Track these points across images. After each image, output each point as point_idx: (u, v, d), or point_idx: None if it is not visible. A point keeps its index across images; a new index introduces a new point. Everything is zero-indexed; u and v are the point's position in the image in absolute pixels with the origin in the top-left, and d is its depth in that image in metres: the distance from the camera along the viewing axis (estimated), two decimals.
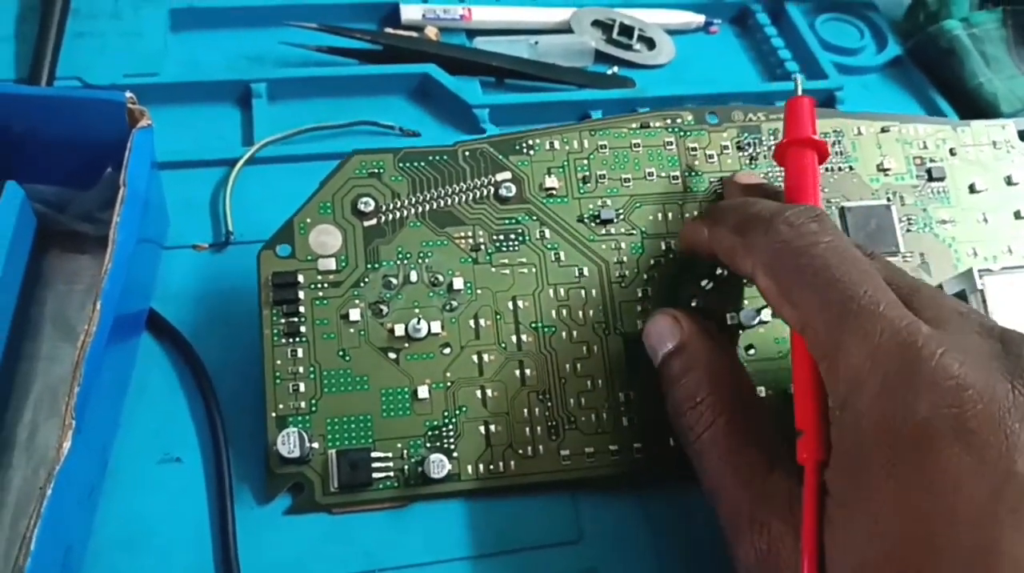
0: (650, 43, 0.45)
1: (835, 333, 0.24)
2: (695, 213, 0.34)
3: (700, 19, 0.47)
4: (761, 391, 0.32)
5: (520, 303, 0.32)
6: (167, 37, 0.43)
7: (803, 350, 0.25)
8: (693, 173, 0.34)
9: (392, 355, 0.31)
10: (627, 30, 0.45)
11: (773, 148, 0.32)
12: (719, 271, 0.33)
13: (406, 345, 0.31)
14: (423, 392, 0.30)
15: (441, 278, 0.31)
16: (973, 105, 0.44)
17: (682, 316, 0.30)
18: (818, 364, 0.24)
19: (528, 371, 0.31)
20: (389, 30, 0.44)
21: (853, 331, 0.23)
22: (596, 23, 0.45)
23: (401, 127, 0.40)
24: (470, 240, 0.32)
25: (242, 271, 0.32)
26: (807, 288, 0.25)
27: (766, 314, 0.32)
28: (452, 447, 0.30)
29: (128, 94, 0.30)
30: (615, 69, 0.44)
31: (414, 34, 0.44)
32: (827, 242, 0.25)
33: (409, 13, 0.44)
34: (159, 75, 0.41)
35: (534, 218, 0.33)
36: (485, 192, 0.33)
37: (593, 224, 0.33)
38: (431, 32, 0.44)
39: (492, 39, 0.44)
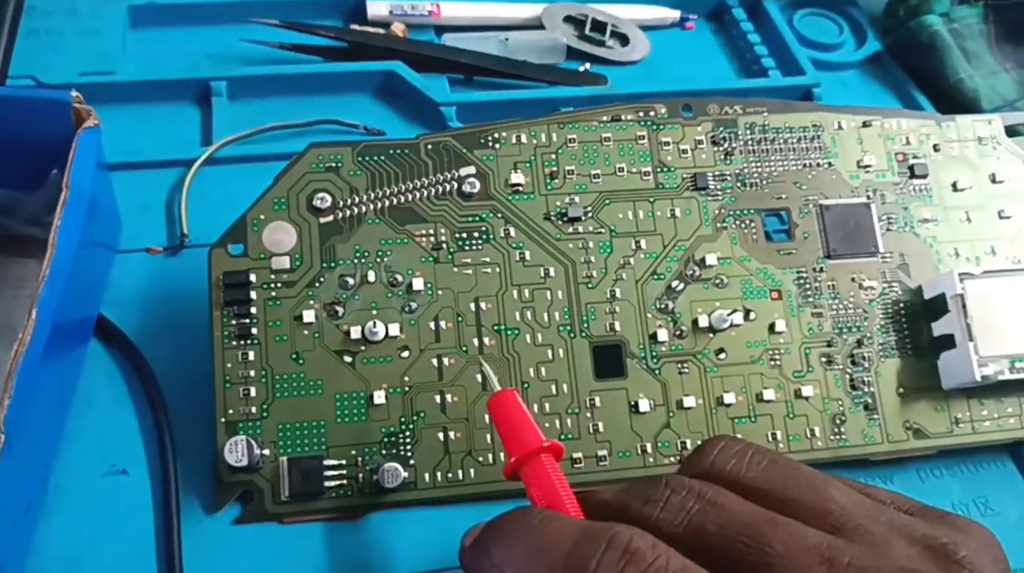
0: (624, 39, 0.44)
1: None
2: None
3: (675, 15, 0.46)
4: (732, 397, 0.31)
5: (483, 305, 0.30)
6: (126, 35, 0.41)
7: None
8: (665, 169, 0.33)
9: (348, 358, 0.29)
10: (600, 26, 0.44)
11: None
12: (691, 272, 0.32)
13: (362, 348, 0.29)
14: (379, 397, 0.29)
15: (400, 278, 0.30)
16: (953, 102, 0.43)
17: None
18: None
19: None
20: (355, 26, 0.43)
21: None
22: (568, 19, 0.44)
23: (366, 126, 0.39)
24: (431, 238, 0.31)
25: (196, 275, 0.31)
26: None
27: (737, 317, 0.31)
28: (409, 454, 0.29)
29: (74, 93, 0.29)
30: (587, 66, 0.43)
31: (381, 31, 0.43)
32: None
33: (375, 9, 0.43)
34: (116, 74, 0.39)
35: (499, 215, 0.31)
36: (448, 188, 0.31)
37: (560, 222, 0.32)
38: (398, 29, 0.43)
39: (461, 35, 0.43)
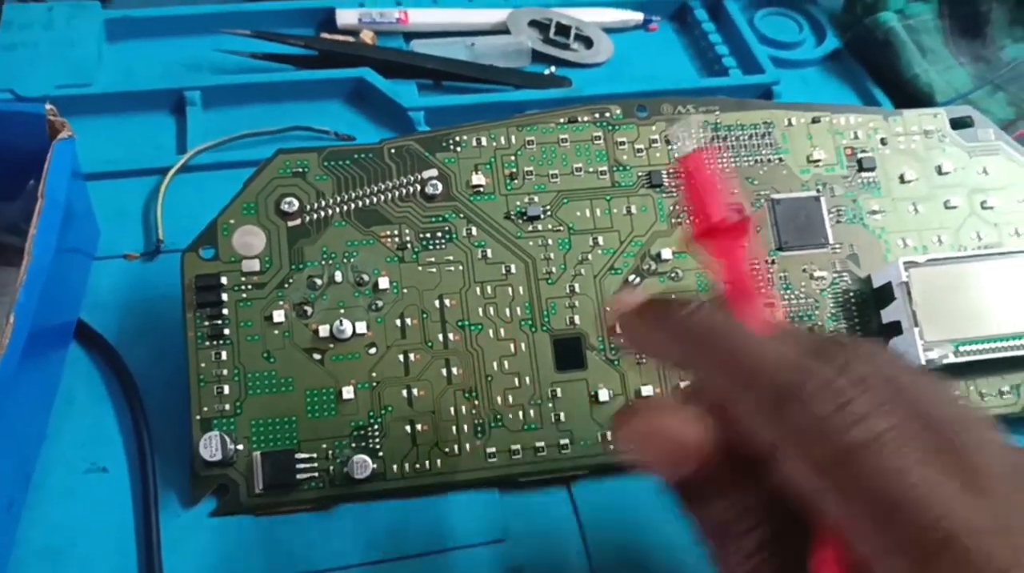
0: (588, 42, 0.45)
1: None
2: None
3: (639, 17, 0.47)
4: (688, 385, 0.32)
5: (447, 302, 0.32)
6: (101, 47, 0.43)
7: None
8: (621, 167, 0.34)
9: (317, 356, 0.30)
10: (564, 29, 0.45)
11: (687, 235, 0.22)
12: (647, 266, 0.33)
13: (331, 346, 0.31)
14: (348, 393, 0.30)
15: (367, 278, 0.31)
16: (910, 96, 0.44)
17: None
18: None
19: (455, 370, 0.31)
20: (325, 35, 0.44)
21: None
22: (533, 23, 0.45)
23: (336, 131, 0.40)
24: (396, 239, 0.32)
25: (172, 279, 0.32)
26: (871, 514, 0.17)
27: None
28: (377, 447, 0.30)
29: (48, 106, 0.30)
30: (552, 69, 0.44)
31: (350, 39, 0.44)
32: (883, 438, 0.17)
33: (345, 18, 0.44)
34: (93, 85, 0.40)
35: (461, 216, 0.33)
36: (411, 190, 0.33)
37: (520, 221, 0.33)
38: (367, 36, 0.44)
39: (429, 42, 0.44)
